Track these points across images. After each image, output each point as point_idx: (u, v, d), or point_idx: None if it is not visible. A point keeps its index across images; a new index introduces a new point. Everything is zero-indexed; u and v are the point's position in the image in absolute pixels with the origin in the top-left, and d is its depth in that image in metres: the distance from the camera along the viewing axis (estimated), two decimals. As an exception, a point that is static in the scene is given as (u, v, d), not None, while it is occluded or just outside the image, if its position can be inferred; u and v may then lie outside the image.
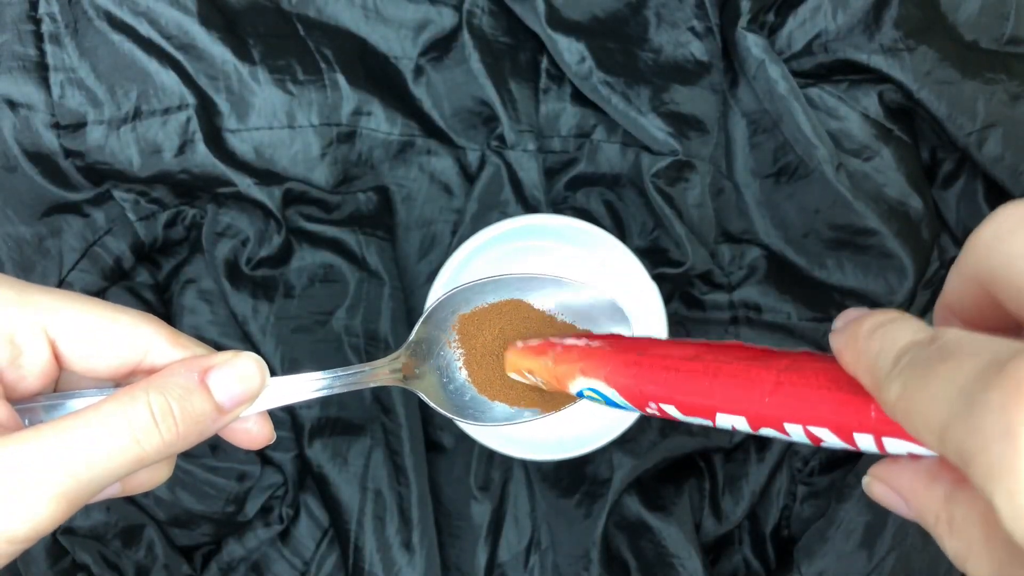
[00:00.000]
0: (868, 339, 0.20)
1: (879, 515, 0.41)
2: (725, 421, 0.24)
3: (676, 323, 0.45)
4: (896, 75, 0.42)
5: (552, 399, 0.32)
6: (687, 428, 0.44)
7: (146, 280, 0.44)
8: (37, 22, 0.41)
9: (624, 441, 0.43)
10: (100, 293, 0.43)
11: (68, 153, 0.42)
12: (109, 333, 0.25)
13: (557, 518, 0.44)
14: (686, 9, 0.44)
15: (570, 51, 0.43)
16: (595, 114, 0.45)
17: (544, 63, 0.45)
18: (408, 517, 0.43)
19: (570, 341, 0.29)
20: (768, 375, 0.24)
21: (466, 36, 0.44)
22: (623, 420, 0.39)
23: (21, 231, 0.42)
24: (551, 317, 0.32)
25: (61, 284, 0.42)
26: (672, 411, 0.26)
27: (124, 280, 0.44)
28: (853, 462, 0.43)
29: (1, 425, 0.23)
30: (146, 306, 0.44)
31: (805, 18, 0.43)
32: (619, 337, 0.29)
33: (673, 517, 0.43)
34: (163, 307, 0.45)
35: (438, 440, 0.45)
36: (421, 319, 0.31)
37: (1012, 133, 0.41)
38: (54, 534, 0.42)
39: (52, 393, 0.26)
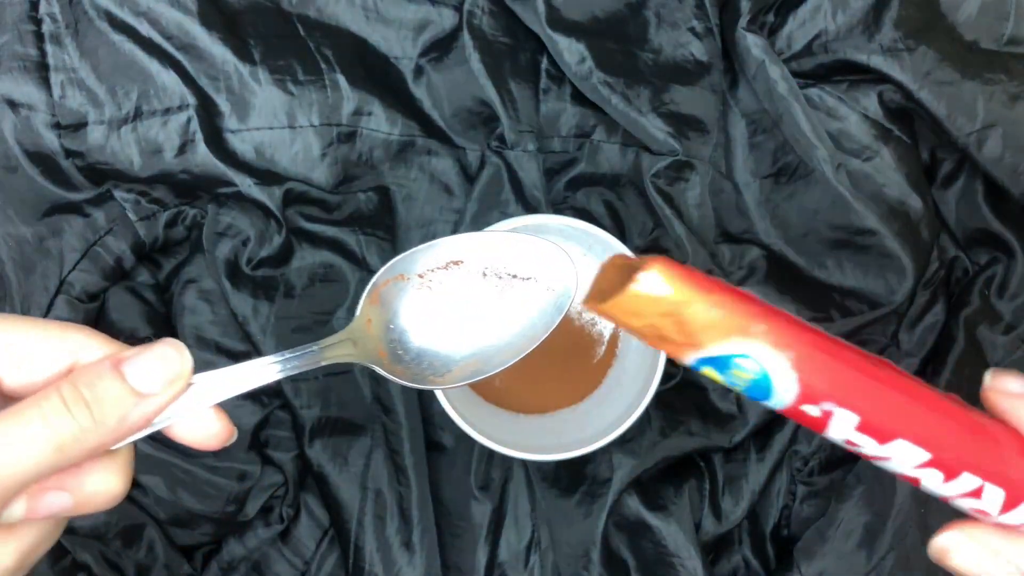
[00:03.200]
0: None
1: (879, 515, 0.41)
2: (899, 452, 0.21)
3: (676, 323, 0.45)
4: (896, 75, 0.42)
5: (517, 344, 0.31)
6: (687, 428, 0.44)
7: (147, 280, 0.45)
8: (38, 22, 0.41)
9: (624, 441, 0.43)
10: (101, 293, 0.43)
11: (69, 153, 0.42)
12: (38, 348, 0.25)
13: (557, 517, 0.44)
14: (686, 9, 0.44)
15: (570, 51, 0.43)
16: (595, 114, 0.45)
17: (544, 63, 0.45)
18: (408, 517, 0.43)
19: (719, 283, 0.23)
20: (966, 418, 0.21)
21: (466, 36, 0.44)
22: (624, 420, 0.39)
23: (22, 231, 0.42)
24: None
25: (62, 284, 0.42)
26: (845, 420, 0.22)
27: (125, 280, 0.44)
28: (852, 462, 0.43)
29: None
30: (147, 306, 0.44)
31: (805, 18, 0.43)
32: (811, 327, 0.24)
33: (673, 517, 0.43)
34: (164, 307, 0.45)
35: (438, 440, 0.45)
36: (365, 293, 0.31)
37: (1012, 133, 0.41)
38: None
39: None
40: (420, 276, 0.32)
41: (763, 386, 0.22)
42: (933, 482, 0.22)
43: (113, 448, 0.25)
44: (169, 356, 0.25)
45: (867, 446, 0.22)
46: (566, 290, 0.32)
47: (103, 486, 0.25)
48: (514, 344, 0.32)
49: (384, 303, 0.31)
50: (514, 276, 0.32)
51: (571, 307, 0.32)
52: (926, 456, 0.21)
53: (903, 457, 0.22)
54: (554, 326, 0.31)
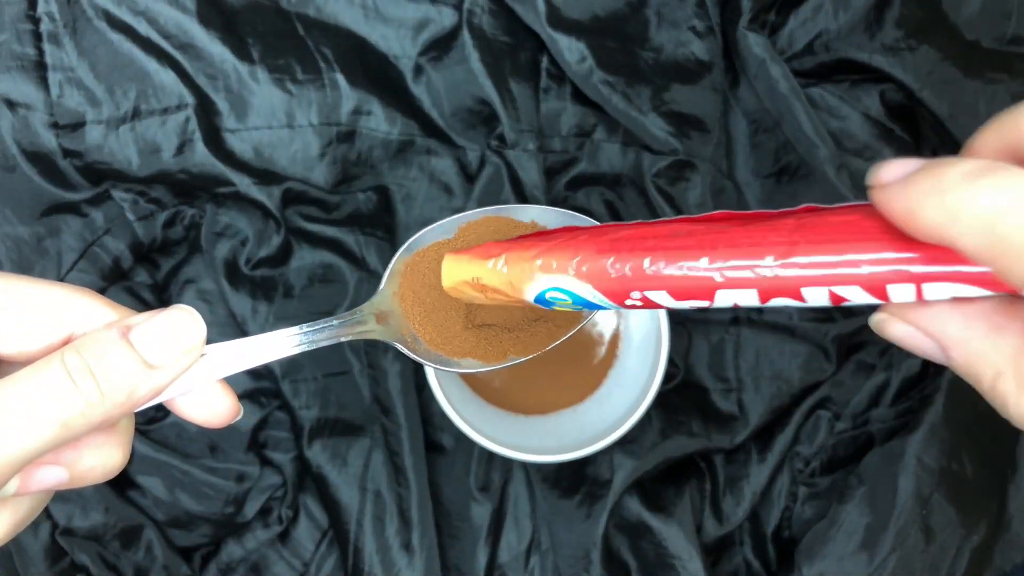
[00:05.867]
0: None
1: (880, 516, 0.41)
2: (726, 298, 0.22)
3: (676, 323, 0.45)
4: (897, 75, 0.42)
5: (505, 340, 0.30)
6: (688, 429, 0.44)
7: (145, 280, 0.44)
8: (36, 21, 0.41)
9: (625, 442, 0.43)
10: (99, 293, 0.43)
11: (67, 153, 0.42)
12: (40, 312, 0.23)
13: (557, 519, 0.44)
14: (687, 8, 0.44)
15: (570, 50, 0.43)
16: (595, 113, 0.45)
17: (544, 62, 0.45)
18: (408, 518, 0.42)
19: (515, 240, 0.26)
20: (778, 236, 0.21)
21: (466, 35, 0.43)
22: (624, 421, 0.39)
23: (20, 231, 0.42)
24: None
25: (60, 284, 0.42)
26: (662, 298, 0.23)
27: (123, 280, 0.44)
28: (855, 463, 0.43)
29: None
30: (145, 306, 0.44)
31: (806, 17, 0.43)
32: (584, 228, 0.25)
33: (674, 518, 0.43)
34: (162, 307, 0.45)
35: (438, 441, 0.45)
36: (389, 266, 0.29)
37: (1014, 133, 0.41)
38: (52, 535, 0.41)
39: None
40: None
41: (581, 301, 0.24)
42: (815, 302, 0.21)
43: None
44: (183, 323, 0.24)
45: (700, 304, 0.22)
46: None
47: (101, 460, 0.24)
48: (546, 332, 0.31)
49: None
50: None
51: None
52: (750, 293, 0.21)
53: (738, 301, 0.21)
54: (589, 315, 0.30)
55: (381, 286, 0.29)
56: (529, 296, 0.25)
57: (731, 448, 0.45)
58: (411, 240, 0.30)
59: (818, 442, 0.44)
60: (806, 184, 0.45)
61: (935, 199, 0.18)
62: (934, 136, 0.44)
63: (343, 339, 0.27)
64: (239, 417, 0.25)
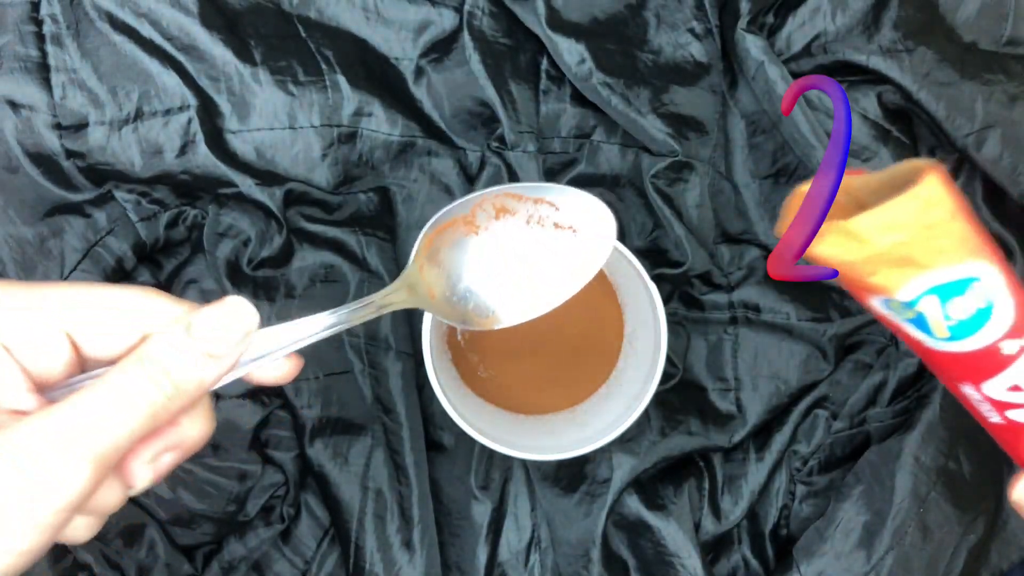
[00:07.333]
0: None
1: (878, 515, 0.41)
2: None
3: (675, 323, 0.45)
4: (895, 76, 0.42)
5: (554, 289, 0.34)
6: (686, 428, 0.44)
7: (147, 280, 0.45)
8: (39, 23, 0.41)
9: (624, 440, 0.43)
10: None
11: (70, 154, 0.42)
12: (121, 317, 0.26)
13: (557, 517, 0.44)
14: (685, 10, 0.45)
15: (570, 52, 0.43)
16: (595, 115, 0.45)
17: (544, 64, 0.45)
18: (409, 516, 0.43)
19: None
20: None
21: (466, 37, 0.44)
22: (623, 420, 0.39)
23: (23, 232, 0.42)
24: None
25: (63, 284, 0.42)
26: None
27: (126, 280, 0.44)
28: (852, 462, 0.43)
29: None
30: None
31: (804, 19, 0.44)
32: None
33: (672, 516, 0.43)
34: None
35: (438, 439, 0.45)
36: (419, 238, 0.33)
37: (1010, 134, 0.41)
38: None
39: (74, 377, 0.27)
40: (468, 223, 0.34)
41: (982, 316, 0.21)
42: None
43: None
44: (238, 312, 0.27)
45: None
46: (606, 239, 0.34)
47: (197, 430, 0.27)
48: (556, 289, 0.34)
49: (435, 249, 0.33)
50: (556, 225, 0.34)
51: (610, 256, 0.34)
52: None
53: None
54: (594, 274, 0.34)
55: (410, 261, 0.33)
56: (948, 275, 0.21)
57: (729, 447, 0.45)
58: (436, 217, 0.33)
59: (816, 441, 0.44)
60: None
61: None
62: (931, 137, 0.45)
63: (383, 311, 0.31)
64: (297, 373, 0.29)
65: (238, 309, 0.27)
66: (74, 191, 0.42)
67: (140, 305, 0.27)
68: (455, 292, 0.33)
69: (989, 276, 0.20)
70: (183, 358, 0.26)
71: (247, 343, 0.27)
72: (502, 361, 0.44)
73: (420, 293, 0.32)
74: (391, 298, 0.31)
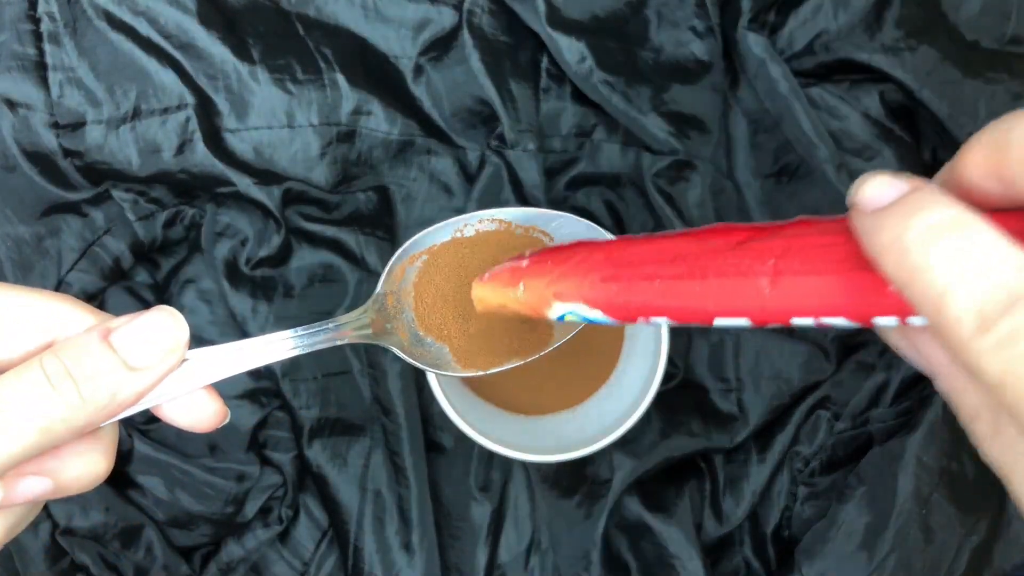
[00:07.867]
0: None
1: (880, 516, 0.41)
2: (725, 323, 0.22)
3: (677, 323, 0.45)
4: (897, 75, 0.42)
5: (521, 340, 0.31)
6: (688, 429, 0.44)
7: (145, 280, 0.44)
8: (36, 21, 0.41)
9: (624, 442, 0.43)
10: (100, 293, 0.43)
11: (67, 153, 0.42)
12: (18, 317, 0.23)
13: (557, 519, 0.44)
14: (687, 8, 0.44)
15: (570, 50, 0.43)
16: (595, 114, 0.45)
17: (544, 62, 0.45)
18: (408, 518, 0.42)
19: (529, 261, 0.27)
20: (763, 267, 0.21)
21: (466, 35, 0.44)
22: (624, 421, 0.39)
23: (20, 231, 0.42)
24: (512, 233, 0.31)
25: (60, 284, 0.42)
26: (666, 322, 0.24)
27: (123, 280, 0.44)
28: (855, 463, 0.43)
29: None
30: (145, 306, 0.44)
31: (806, 17, 0.43)
32: (587, 245, 0.27)
33: (674, 518, 0.43)
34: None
35: (438, 441, 0.45)
36: (386, 270, 0.29)
37: (1014, 133, 0.41)
38: (52, 534, 0.42)
39: None
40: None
41: (595, 321, 0.26)
42: (806, 326, 0.22)
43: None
44: (164, 324, 0.23)
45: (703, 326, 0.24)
46: None
47: (86, 468, 0.23)
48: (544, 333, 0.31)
49: (407, 281, 0.30)
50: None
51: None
52: (744, 320, 0.22)
53: (736, 325, 0.23)
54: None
55: (377, 289, 0.29)
56: (552, 317, 0.27)
57: (731, 448, 0.45)
58: (407, 244, 0.30)
59: (818, 442, 0.44)
60: (806, 184, 0.45)
61: (895, 257, 0.18)
62: (934, 136, 0.44)
63: (338, 343, 0.27)
64: (225, 422, 0.25)
65: (168, 317, 0.23)
66: (71, 190, 0.42)
67: (46, 309, 0.23)
68: (421, 341, 0.29)
69: (569, 308, 0.26)
70: (95, 363, 0.22)
71: (176, 358, 0.23)
72: (502, 361, 0.44)
73: (388, 328, 0.28)
74: (351, 331, 0.27)
